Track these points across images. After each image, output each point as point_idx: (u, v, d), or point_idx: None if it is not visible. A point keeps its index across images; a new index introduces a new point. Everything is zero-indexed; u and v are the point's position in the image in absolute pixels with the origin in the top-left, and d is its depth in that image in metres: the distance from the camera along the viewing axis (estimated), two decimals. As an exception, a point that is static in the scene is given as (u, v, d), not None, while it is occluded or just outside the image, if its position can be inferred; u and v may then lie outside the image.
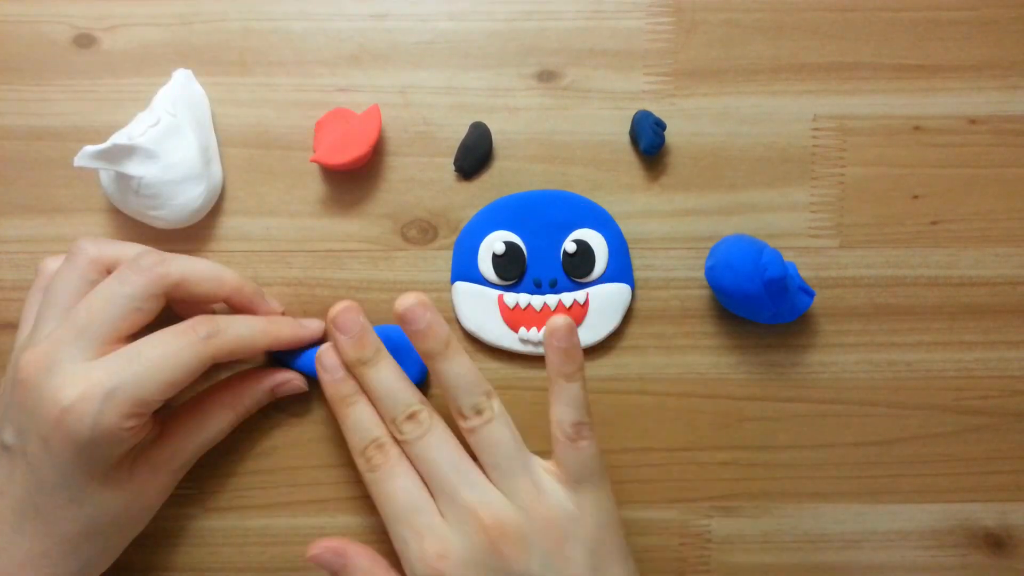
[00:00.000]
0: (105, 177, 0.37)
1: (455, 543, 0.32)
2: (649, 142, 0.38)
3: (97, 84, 0.38)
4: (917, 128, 0.39)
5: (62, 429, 0.30)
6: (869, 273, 0.39)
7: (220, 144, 0.38)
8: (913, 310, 0.39)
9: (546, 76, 0.39)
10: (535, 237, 0.38)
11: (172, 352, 0.32)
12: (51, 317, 0.32)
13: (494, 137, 0.39)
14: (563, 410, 0.33)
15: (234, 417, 0.36)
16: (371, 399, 0.34)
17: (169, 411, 0.36)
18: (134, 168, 0.35)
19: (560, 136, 0.39)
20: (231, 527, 0.39)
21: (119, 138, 0.35)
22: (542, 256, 0.38)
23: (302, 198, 0.39)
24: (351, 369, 0.35)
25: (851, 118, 0.39)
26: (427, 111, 0.39)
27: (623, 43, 0.39)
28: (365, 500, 0.38)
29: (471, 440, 0.33)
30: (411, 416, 0.34)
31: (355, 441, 0.34)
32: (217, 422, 0.36)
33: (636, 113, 0.38)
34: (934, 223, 0.39)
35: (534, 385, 0.39)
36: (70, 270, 0.33)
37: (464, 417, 0.33)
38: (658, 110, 0.39)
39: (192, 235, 0.38)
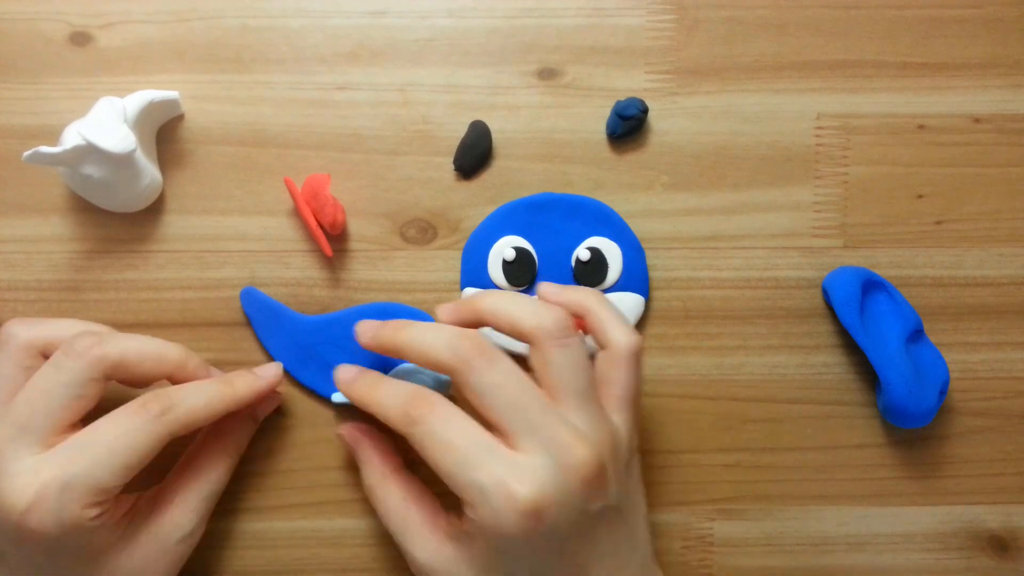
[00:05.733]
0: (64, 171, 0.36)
1: (547, 480, 0.28)
2: (611, 128, 0.38)
3: (93, 82, 0.38)
4: (921, 127, 0.39)
5: (26, 532, 0.29)
6: (873, 273, 0.39)
7: (217, 143, 0.38)
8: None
9: (547, 74, 0.39)
10: (547, 243, 0.38)
11: (125, 434, 0.30)
12: None
13: (494, 136, 0.38)
14: (623, 334, 0.32)
15: (232, 461, 0.35)
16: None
17: (163, 479, 0.35)
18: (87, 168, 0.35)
19: (561, 135, 0.39)
20: (228, 530, 0.38)
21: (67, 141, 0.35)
22: (553, 262, 0.38)
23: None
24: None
25: (855, 117, 0.39)
26: (426, 109, 0.38)
27: (624, 40, 0.39)
28: (363, 503, 0.38)
29: (553, 361, 0.30)
30: (477, 349, 0.30)
31: (392, 407, 0.31)
32: (217, 473, 0.35)
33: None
34: (938, 223, 0.39)
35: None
36: (3, 359, 0.32)
37: (554, 337, 0.31)
38: (660, 108, 0.38)
39: (187, 235, 0.38)
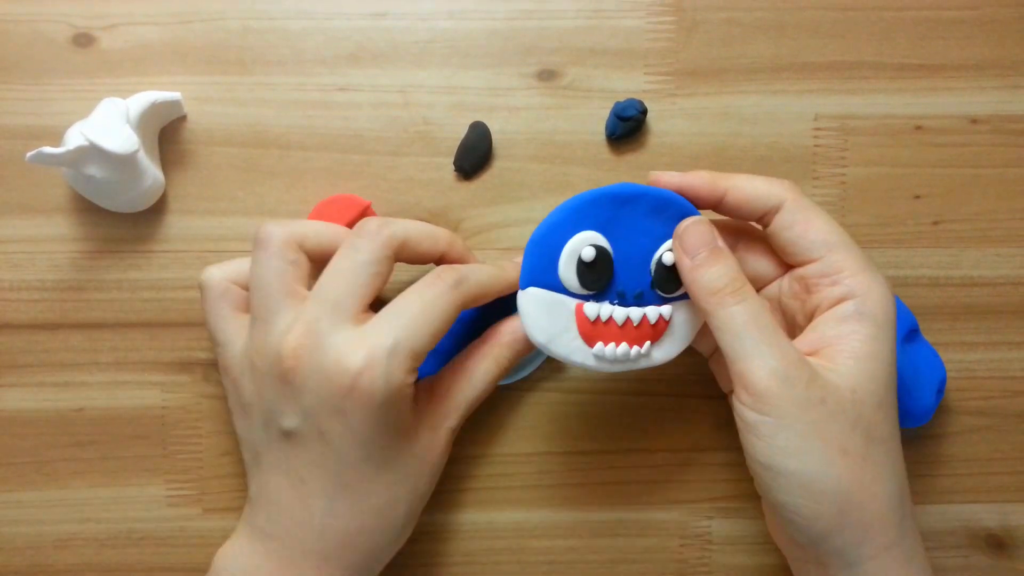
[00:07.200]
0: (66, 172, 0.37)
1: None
2: (611, 129, 0.38)
3: (95, 83, 0.38)
4: (919, 128, 0.39)
5: (357, 394, 0.31)
6: (870, 273, 0.39)
7: (219, 144, 0.38)
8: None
9: (546, 75, 0.39)
10: (626, 242, 0.33)
11: (429, 303, 0.32)
12: (281, 306, 0.32)
13: (494, 137, 0.39)
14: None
15: (497, 369, 0.35)
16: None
17: (432, 375, 0.36)
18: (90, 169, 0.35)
19: (561, 136, 0.39)
20: (230, 528, 0.38)
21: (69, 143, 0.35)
22: (631, 265, 0.33)
23: (301, 198, 0.39)
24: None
25: (853, 118, 0.39)
26: (426, 111, 0.39)
27: (624, 42, 0.39)
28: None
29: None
30: None
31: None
32: (483, 375, 0.35)
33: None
34: (936, 223, 0.39)
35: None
36: (269, 257, 0.33)
37: None
38: (659, 109, 0.39)
39: (190, 236, 0.38)
